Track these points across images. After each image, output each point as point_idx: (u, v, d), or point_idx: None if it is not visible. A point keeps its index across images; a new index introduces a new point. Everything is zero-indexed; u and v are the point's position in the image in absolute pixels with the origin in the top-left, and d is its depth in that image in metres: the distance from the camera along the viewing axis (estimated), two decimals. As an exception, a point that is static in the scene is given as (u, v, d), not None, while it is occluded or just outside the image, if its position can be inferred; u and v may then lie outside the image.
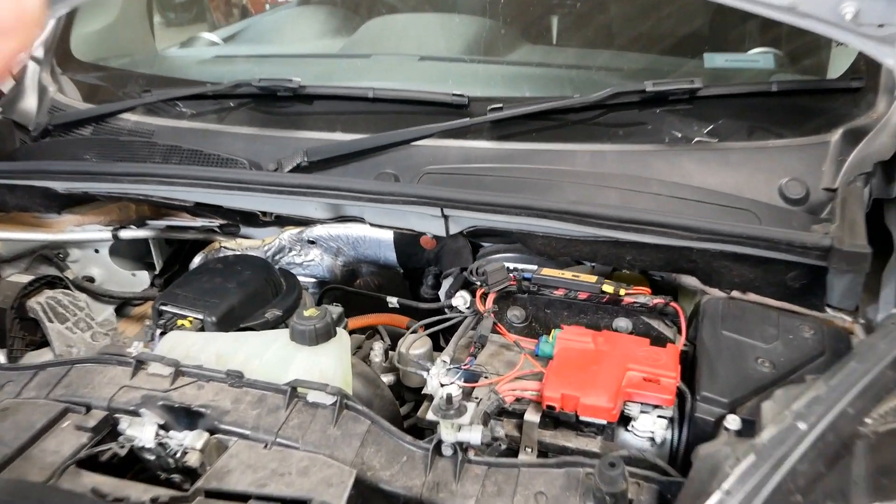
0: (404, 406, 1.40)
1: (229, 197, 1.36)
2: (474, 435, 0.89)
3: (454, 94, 1.40)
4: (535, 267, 1.50)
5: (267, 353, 1.08)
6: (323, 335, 1.08)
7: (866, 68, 1.32)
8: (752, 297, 1.27)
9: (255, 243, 1.77)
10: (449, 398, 0.91)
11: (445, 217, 1.25)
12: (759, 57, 1.45)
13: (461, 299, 1.35)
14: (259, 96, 1.51)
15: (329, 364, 1.05)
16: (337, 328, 1.12)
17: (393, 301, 1.64)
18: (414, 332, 1.58)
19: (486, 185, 1.27)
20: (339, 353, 1.08)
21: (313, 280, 1.80)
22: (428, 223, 1.28)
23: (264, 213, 1.39)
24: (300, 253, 1.78)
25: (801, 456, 0.73)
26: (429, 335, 1.62)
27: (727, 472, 0.75)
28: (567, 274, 1.19)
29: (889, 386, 0.83)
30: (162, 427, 0.97)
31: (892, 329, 0.93)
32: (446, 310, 1.41)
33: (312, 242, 1.76)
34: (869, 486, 0.72)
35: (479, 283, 1.22)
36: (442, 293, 1.60)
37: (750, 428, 0.97)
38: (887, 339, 0.89)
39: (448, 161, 1.33)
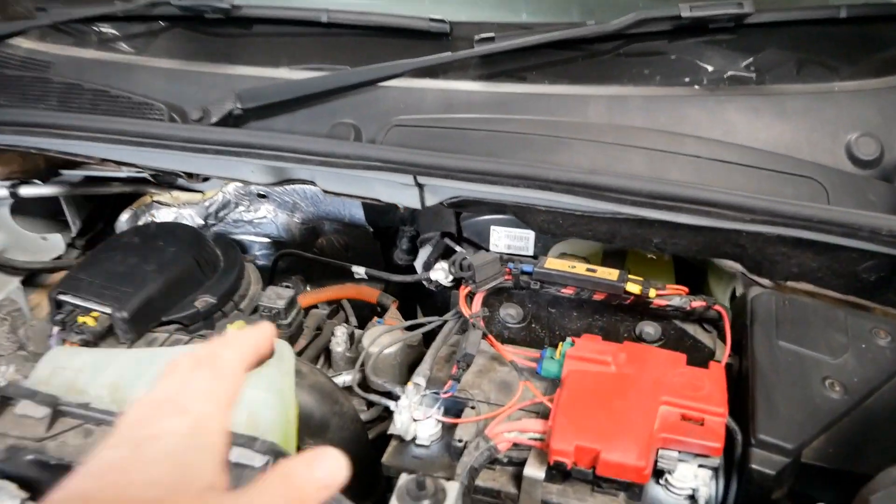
0: (371, 409, 1.15)
1: (141, 154, 1.05)
2: (458, 528, 0.64)
3: (432, 20, 1.08)
4: (531, 237, 1.23)
5: (181, 382, 0.80)
6: (255, 358, 0.80)
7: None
8: (805, 286, 1.01)
9: (195, 197, 1.47)
10: (421, 483, 0.65)
11: (420, 186, 0.96)
12: (824, -30, 1.13)
13: (441, 272, 1.09)
14: (182, 19, 1.18)
15: (262, 399, 0.78)
16: (277, 343, 0.85)
17: (360, 272, 1.37)
18: (384, 307, 1.34)
19: (472, 143, 0.98)
20: (277, 381, 0.81)
21: (267, 240, 1.52)
22: (398, 193, 0.99)
23: (189, 175, 1.09)
24: (249, 208, 1.49)
25: None
26: (403, 305, 1.38)
27: None
28: (579, 267, 0.91)
29: None
30: (31, 498, 0.71)
31: None
32: (424, 283, 1.16)
33: (263, 196, 1.47)
34: None
35: (464, 280, 0.95)
36: (419, 263, 1.33)
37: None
38: None
39: (423, 108, 1.02)
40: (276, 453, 0.71)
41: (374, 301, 1.34)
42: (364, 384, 1.04)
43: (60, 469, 0.73)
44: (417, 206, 0.99)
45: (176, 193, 1.47)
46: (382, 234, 1.48)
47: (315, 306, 1.33)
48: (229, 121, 1.04)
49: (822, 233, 0.85)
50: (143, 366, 0.83)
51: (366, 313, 1.37)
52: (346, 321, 1.32)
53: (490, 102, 1.02)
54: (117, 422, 0.51)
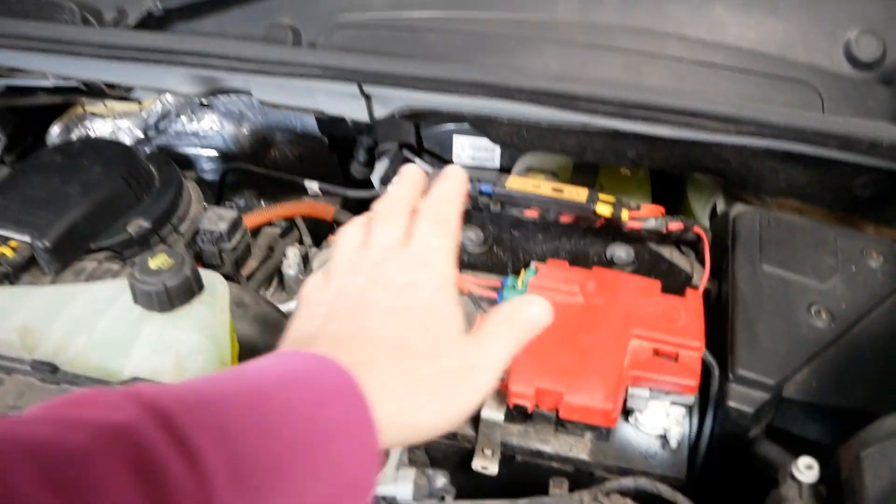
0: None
1: (52, 62, 0.93)
2: (402, 488, 0.57)
3: None
4: (497, 147, 1.13)
5: (99, 325, 0.72)
6: (180, 295, 0.72)
7: None
8: (793, 202, 0.93)
9: (132, 107, 1.35)
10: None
11: (366, 96, 0.85)
12: None
13: (400, 187, 0.99)
14: None
15: (193, 342, 0.70)
16: (209, 276, 0.76)
17: (313, 187, 1.27)
18: (341, 224, 1.25)
19: (426, 46, 0.86)
20: (210, 321, 0.72)
21: (214, 153, 1.40)
22: (343, 104, 0.88)
23: (111, 86, 0.97)
24: (192, 118, 1.37)
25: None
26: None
27: None
28: (545, 186, 0.82)
29: None
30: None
31: None
32: (383, 197, 1.06)
33: (206, 105, 1.35)
34: None
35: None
36: (376, 176, 1.23)
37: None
38: None
39: (371, 6, 0.90)
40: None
41: (331, 219, 1.25)
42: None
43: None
44: (365, 118, 0.88)
45: (111, 104, 1.34)
46: (339, 144, 1.37)
47: (270, 224, 1.24)
48: (150, 23, 0.91)
49: (816, 145, 0.76)
50: (57, 306, 0.74)
51: (323, 231, 1.27)
52: (300, 241, 1.23)
53: (446, -2, 0.90)
54: (338, 255, 0.55)
